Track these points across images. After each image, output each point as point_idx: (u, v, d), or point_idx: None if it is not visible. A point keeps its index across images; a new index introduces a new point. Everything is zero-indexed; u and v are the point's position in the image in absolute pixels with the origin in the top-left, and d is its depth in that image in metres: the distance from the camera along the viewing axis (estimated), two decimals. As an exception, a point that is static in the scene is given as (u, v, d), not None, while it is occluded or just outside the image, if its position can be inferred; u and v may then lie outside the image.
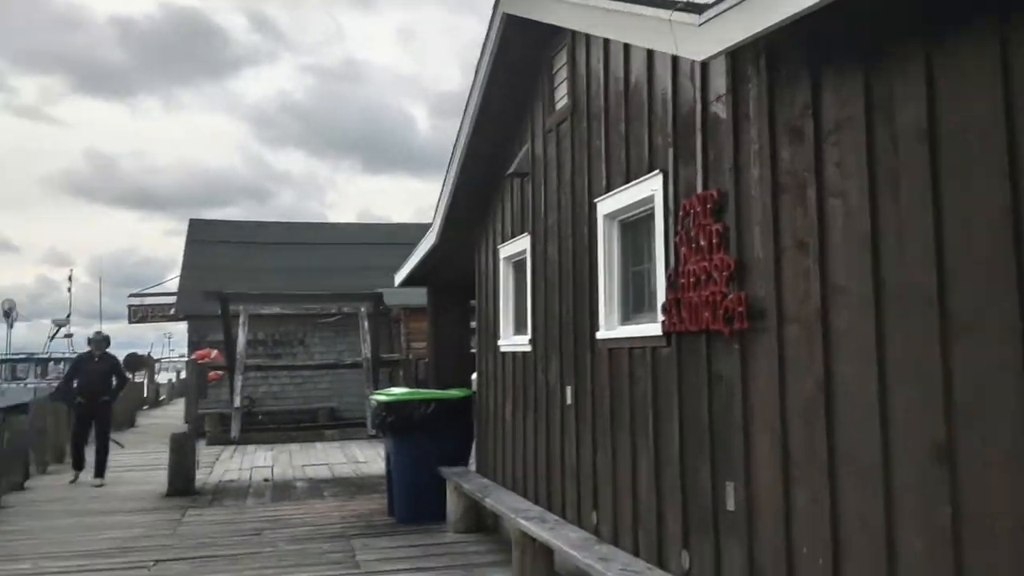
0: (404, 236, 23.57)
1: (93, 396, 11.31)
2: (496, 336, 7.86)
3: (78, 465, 11.46)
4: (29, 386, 33.43)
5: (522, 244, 7.08)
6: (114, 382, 11.71)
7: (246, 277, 18.20)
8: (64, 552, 7.38)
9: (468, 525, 7.84)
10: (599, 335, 5.41)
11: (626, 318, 5.28)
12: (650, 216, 4.81)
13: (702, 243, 4.12)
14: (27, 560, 7.12)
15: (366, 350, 10.68)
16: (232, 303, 10.67)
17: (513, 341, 7.38)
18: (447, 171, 8.14)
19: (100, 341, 11.75)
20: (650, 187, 4.76)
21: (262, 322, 16.34)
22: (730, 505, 3.93)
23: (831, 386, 3.29)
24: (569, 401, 5.91)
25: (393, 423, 8.30)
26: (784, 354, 3.57)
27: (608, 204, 5.37)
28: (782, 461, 3.56)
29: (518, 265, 7.44)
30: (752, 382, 3.79)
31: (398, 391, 8.56)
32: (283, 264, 20.67)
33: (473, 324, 9.47)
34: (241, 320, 10.87)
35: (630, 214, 5.20)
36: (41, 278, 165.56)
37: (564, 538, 5.19)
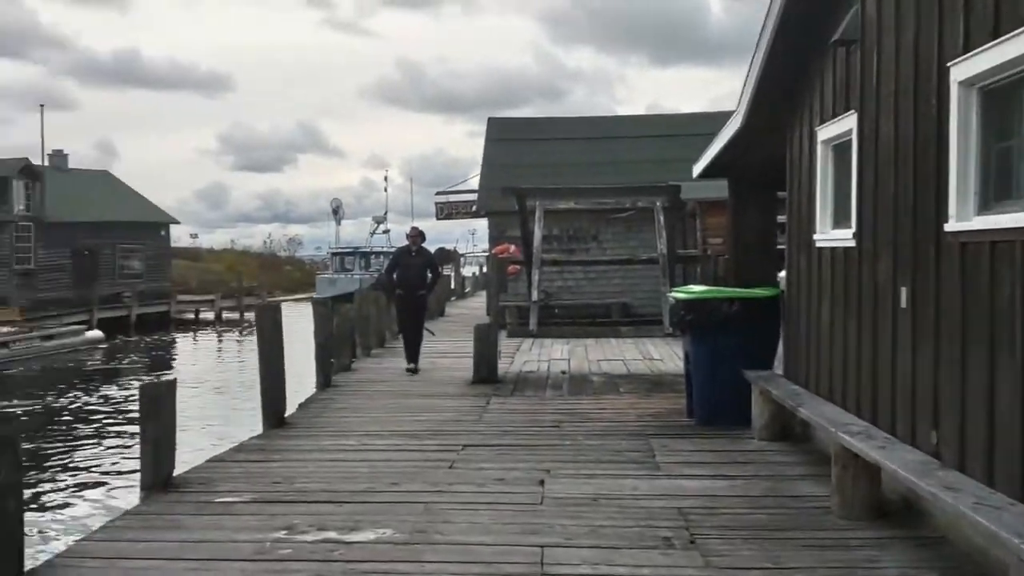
0: (697, 127, 22.51)
1: (411, 289, 11.73)
2: (811, 230, 7.08)
3: (410, 359, 11.73)
4: (355, 277, 37.14)
5: (846, 123, 6.19)
6: (429, 276, 12.01)
7: (542, 173, 18.41)
8: (384, 431, 7.91)
9: (774, 433, 7.31)
10: (948, 227, 4.55)
11: (985, 207, 4.37)
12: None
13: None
14: (353, 436, 7.72)
15: (662, 245, 10.28)
16: (528, 198, 10.68)
17: (832, 235, 6.59)
18: (756, 44, 7.32)
19: (415, 235, 12.09)
20: (1032, 40, 3.78)
21: (557, 218, 16.47)
22: None
23: None
24: (904, 304, 5.11)
25: (694, 321, 7.89)
26: None
27: (965, 68, 4.41)
28: None
29: (840, 148, 6.56)
30: None
31: (699, 288, 8.11)
32: (577, 159, 20.65)
33: (780, 218, 8.68)
34: (537, 215, 10.90)
35: (996, 79, 4.23)
36: (364, 180, 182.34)
37: (899, 459, 4.54)
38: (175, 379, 6.25)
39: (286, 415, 8.56)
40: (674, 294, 8.23)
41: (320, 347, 10.88)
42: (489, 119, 23.37)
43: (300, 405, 9.51)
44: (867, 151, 5.80)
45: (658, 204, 10.72)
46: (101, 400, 19.31)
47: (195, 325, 41.71)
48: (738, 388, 7.79)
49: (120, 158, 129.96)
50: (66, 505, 11.26)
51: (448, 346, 15.22)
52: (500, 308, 12.86)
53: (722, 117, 23.51)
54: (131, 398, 18.95)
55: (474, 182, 27.04)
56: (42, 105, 39.84)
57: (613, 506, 5.43)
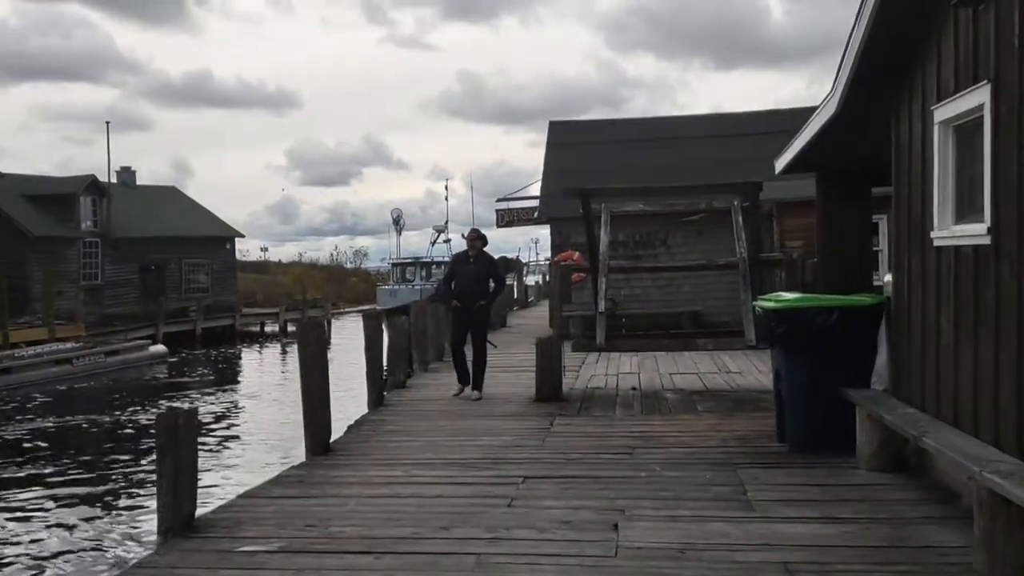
0: (765, 125, 21.39)
1: (470, 300, 10.10)
2: (925, 227, 6.05)
3: (462, 379, 10.31)
4: (415, 287, 36.67)
5: (974, 99, 5.18)
6: (491, 285, 10.38)
7: (605, 176, 17.51)
8: (436, 459, 7.12)
9: (883, 462, 6.30)
10: None
11: None
12: None
13: None
14: (401, 465, 6.94)
15: (741, 249, 9.29)
16: (593, 199, 9.81)
17: (956, 232, 5.57)
18: (857, 14, 6.32)
19: (474, 239, 10.33)
20: None
21: (622, 223, 15.53)
22: None
23: None
24: (1067, 314, 4.10)
25: (785, 334, 6.91)
26: None
27: None
28: None
29: (965, 129, 5.54)
30: None
31: (790, 296, 7.13)
32: (641, 161, 19.70)
33: (883, 216, 7.65)
34: (603, 219, 10.00)
35: None
36: (427, 191, 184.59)
37: (1079, 515, 3.54)
38: (195, 408, 5.56)
39: (332, 440, 7.86)
40: (762, 303, 7.26)
41: (371, 363, 10.18)
42: (550, 123, 22.54)
43: (349, 427, 8.82)
44: (1006, 130, 4.78)
45: (736, 204, 9.72)
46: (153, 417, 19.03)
47: (261, 337, 41.80)
48: (837, 409, 6.79)
49: (193, 176, 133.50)
50: (92, 541, 10.35)
51: (509, 359, 14.40)
52: (564, 319, 11.95)
53: (790, 114, 22.38)
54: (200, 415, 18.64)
55: (534, 189, 26.30)
56: (107, 122, 40.76)
57: (703, 561, 4.52)
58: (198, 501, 5.50)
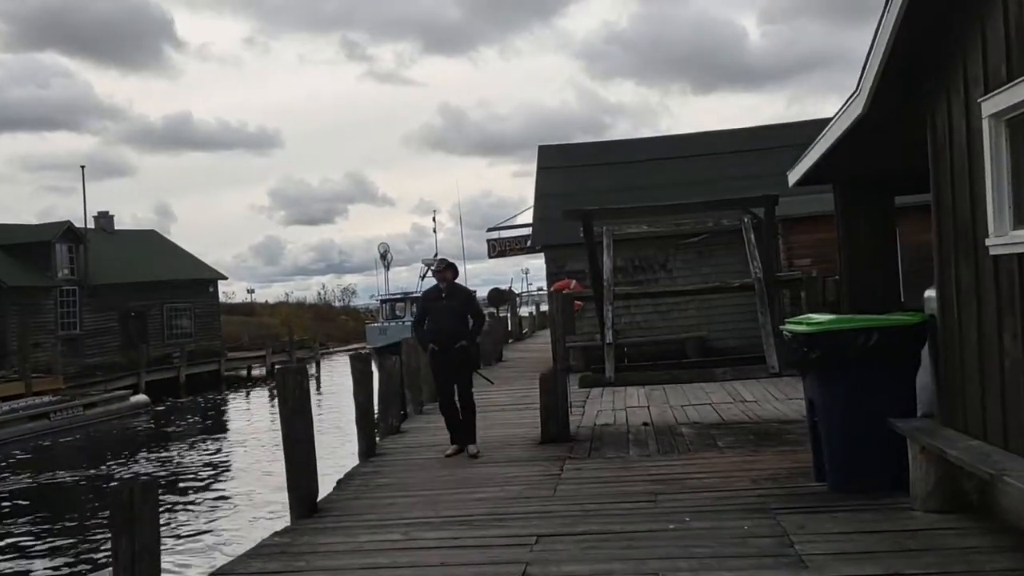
0: (754, 142, 20.91)
1: (447, 341, 8.64)
2: (978, 233, 5.38)
3: (454, 438, 8.90)
4: (406, 323, 35.79)
5: (1037, 84, 4.53)
6: (471, 323, 8.98)
7: (600, 199, 16.85)
8: (436, 518, 6.34)
9: (942, 502, 5.57)
10: None
11: None
12: None
13: None
14: (397, 527, 6.15)
15: (756, 268, 8.60)
16: (595, 221, 9.12)
17: (1018, 238, 4.89)
18: (885, 5, 5.69)
19: (442, 269, 8.87)
20: None
21: (621, 247, 14.72)
22: None
23: None
24: None
25: (820, 360, 6.20)
26: None
27: None
28: None
29: (1021, 122, 4.89)
30: None
31: (822, 318, 6.42)
32: (636, 182, 19.12)
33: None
34: (605, 242, 9.34)
35: None
36: (414, 226, 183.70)
37: None
38: (155, 480, 4.77)
39: (319, 499, 7.06)
40: (790, 327, 6.55)
41: (361, 409, 9.41)
42: (540, 147, 21.97)
43: (338, 482, 8.02)
44: (1085, 113, 4.12)
45: (746, 220, 9.06)
46: (141, 471, 18.08)
47: (248, 382, 40.80)
48: (882, 442, 6.09)
49: (177, 220, 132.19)
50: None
51: (508, 396, 13.67)
52: (566, 351, 11.22)
53: (781, 129, 21.83)
54: (175, 471, 17.72)
55: (524, 218, 25.69)
56: (83, 167, 39.56)
57: (765, 641, 3.76)
58: (165, 582, 4.70)
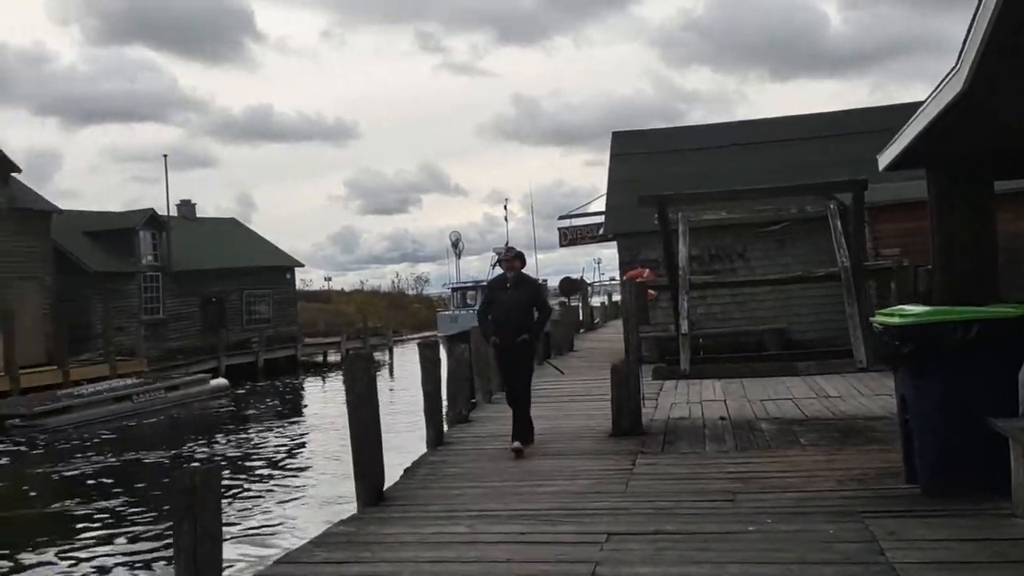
0: (836, 127, 20.13)
1: (511, 334, 8.31)
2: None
3: (519, 433, 8.38)
4: (476, 311, 35.77)
5: None
6: (535, 315, 8.55)
7: (674, 187, 16.44)
8: (504, 511, 6.17)
9: (1049, 509, 5.14)
10: None
11: None
12: None
13: None
14: (464, 519, 6.01)
15: (843, 257, 8.16)
16: (671, 207, 8.80)
17: None
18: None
19: (511, 258, 8.52)
20: None
21: (697, 235, 14.35)
22: None
23: None
24: None
25: (914, 354, 5.80)
26: None
27: None
28: None
29: None
30: None
31: (917, 310, 6.02)
32: (713, 169, 18.62)
33: None
34: (681, 230, 9.00)
35: None
36: (486, 216, 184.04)
37: None
38: (218, 467, 4.69)
39: (386, 487, 6.97)
40: (881, 319, 6.16)
41: (429, 397, 9.30)
42: (614, 134, 21.56)
43: (406, 470, 7.92)
44: None
45: (832, 207, 8.61)
46: (217, 453, 18.45)
47: (324, 367, 41.43)
48: (980, 442, 5.67)
49: (257, 209, 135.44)
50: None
51: (579, 386, 13.44)
52: (639, 342, 10.92)
53: (862, 114, 20.93)
54: (249, 453, 18.01)
55: (596, 206, 25.34)
56: (165, 156, 40.74)
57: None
58: (232, 569, 4.64)
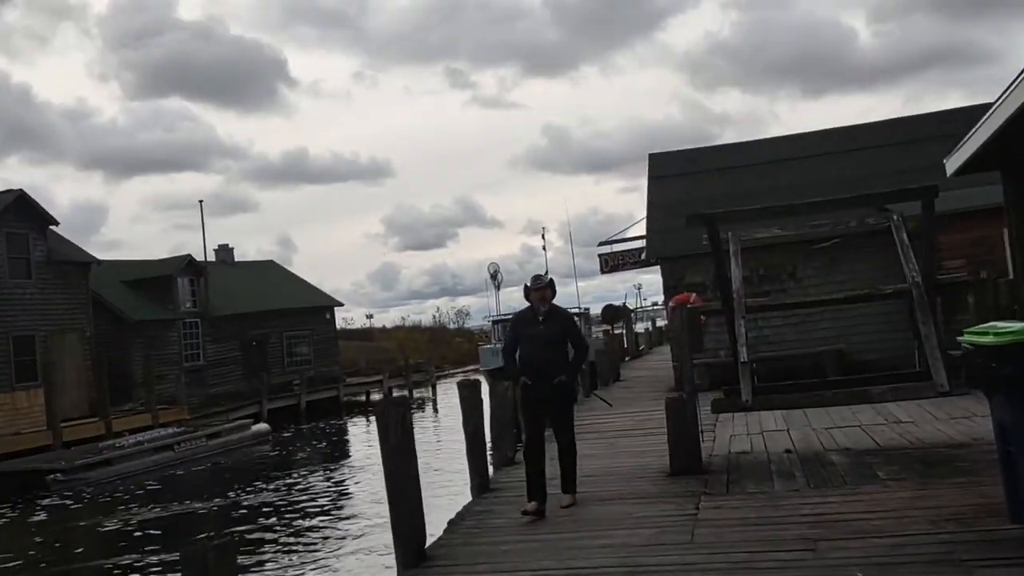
0: (879, 137, 19.37)
1: (543, 374, 7.17)
2: None
3: (534, 492, 7.19)
4: (519, 344, 35.07)
5: None
6: (570, 353, 7.39)
7: (716, 207, 15.80)
8: (559, 569, 5.57)
9: None
10: None
11: None
12: None
13: None
14: (517, 579, 5.41)
15: (913, 272, 7.48)
16: (721, 225, 8.20)
17: None
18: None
19: (542, 287, 7.31)
20: None
21: (744, 256, 13.70)
22: None
23: None
24: None
25: (1014, 376, 5.12)
26: None
27: None
28: None
29: None
30: None
31: (1012, 326, 5.34)
32: (752, 187, 17.95)
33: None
34: (732, 250, 8.39)
35: None
36: (524, 246, 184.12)
37: None
38: (232, 540, 4.12)
39: (429, 543, 6.41)
40: (971, 338, 5.49)
41: (472, 440, 8.74)
42: (650, 155, 21.00)
43: (450, 523, 7.35)
44: None
45: (895, 218, 7.95)
46: (261, 502, 18.01)
47: (368, 407, 41.07)
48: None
49: (297, 250, 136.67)
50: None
51: (630, 420, 12.80)
52: (693, 372, 10.26)
53: (913, 122, 20.06)
54: (293, 501, 17.54)
55: (635, 231, 24.76)
56: (200, 201, 40.93)
57: None
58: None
